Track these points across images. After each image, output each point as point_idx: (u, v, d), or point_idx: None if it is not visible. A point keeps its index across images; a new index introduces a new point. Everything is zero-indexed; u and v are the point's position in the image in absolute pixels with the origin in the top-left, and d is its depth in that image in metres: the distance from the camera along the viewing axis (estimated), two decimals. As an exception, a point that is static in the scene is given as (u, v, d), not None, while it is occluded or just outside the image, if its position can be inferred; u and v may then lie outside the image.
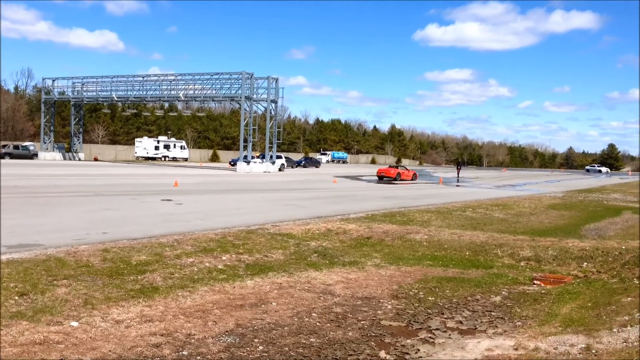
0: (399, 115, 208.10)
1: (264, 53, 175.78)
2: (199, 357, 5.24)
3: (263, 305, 7.08)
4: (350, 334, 6.19)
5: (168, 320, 6.26)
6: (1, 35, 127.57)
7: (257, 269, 9.10)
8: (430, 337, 6.15)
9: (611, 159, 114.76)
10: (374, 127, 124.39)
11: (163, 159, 67.01)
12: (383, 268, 9.87)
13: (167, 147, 68.38)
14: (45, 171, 33.78)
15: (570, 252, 10.93)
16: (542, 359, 5.28)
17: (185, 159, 69.91)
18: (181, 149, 70.40)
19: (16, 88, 77.58)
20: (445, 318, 6.97)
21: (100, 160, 61.21)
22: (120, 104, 64.52)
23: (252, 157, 47.67)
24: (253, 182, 31.30)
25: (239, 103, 47.78)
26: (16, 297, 6.61)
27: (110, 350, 5.25)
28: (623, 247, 10.83)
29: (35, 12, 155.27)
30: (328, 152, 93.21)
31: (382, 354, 5.59)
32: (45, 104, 59.02)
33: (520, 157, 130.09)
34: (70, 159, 58.22)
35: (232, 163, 53.97)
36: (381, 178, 38.78)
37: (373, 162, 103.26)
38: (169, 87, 51.79)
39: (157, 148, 67.17)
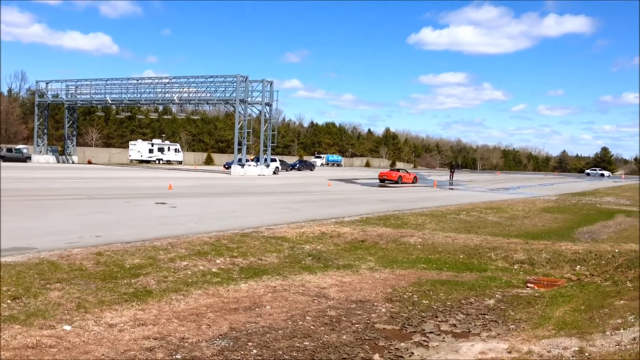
0: (394, 119, 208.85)
1: (258, 56, 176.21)
2: (192, 361, 5.22)
3: (257, 309, 7.07)
4: (344, 337, 6.20)
5: (161, 323, 6.25)
6: (1, 38, 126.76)
7: (251, 272, 9.09)
8: (424, 341, 6.16)
9: (604, 162, 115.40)
10: (369, 130, 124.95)
11: (157, 162, 66.82)
12: (377, 271, 9.88)
13: (161, 150, 68.24)
14: (38, 174, 33.62)
15: (564, 255, 10.98)
16: (535, 362, 5.29)
17: (180, 162, 69.79)
18: (175, 152, 70.27)
19: (10, 91, 77.46)
20: (439, 321, 6.99)
21: (94, 163, 60.95)
22: (114, 107, 64.44)
23: (247, 160, 47.65)
24: (247, 185, 31.27)
25: (233, 106, 47.77)
26: (9, 301, 6.57)
27: (103, 354, 5.23)
28: (616, 250, 10.90)
29: (29, 15, 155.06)
30: (322, 155, 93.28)
31: (376, 357, 5.59)
32: (39, 107, 58.85)
33: (514, 161, 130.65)
34: (63, 162, 57.99)
35: (226, 166, 53.91)
36: (383, 181, 39.06)
37: (367, 165, 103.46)
38: (163, 89, 51.77)
39: (151, 151, 67.03)
